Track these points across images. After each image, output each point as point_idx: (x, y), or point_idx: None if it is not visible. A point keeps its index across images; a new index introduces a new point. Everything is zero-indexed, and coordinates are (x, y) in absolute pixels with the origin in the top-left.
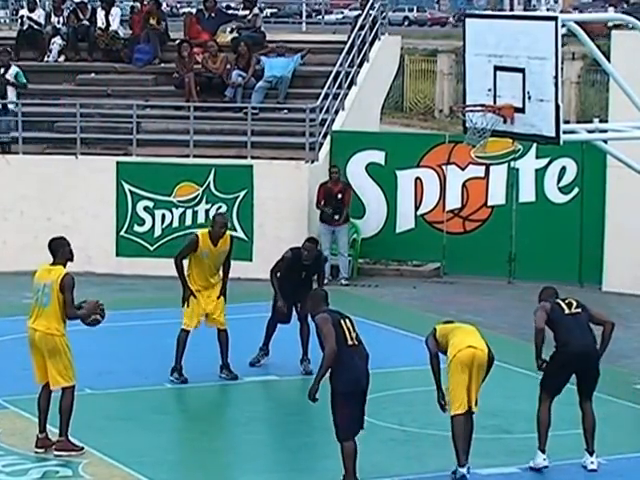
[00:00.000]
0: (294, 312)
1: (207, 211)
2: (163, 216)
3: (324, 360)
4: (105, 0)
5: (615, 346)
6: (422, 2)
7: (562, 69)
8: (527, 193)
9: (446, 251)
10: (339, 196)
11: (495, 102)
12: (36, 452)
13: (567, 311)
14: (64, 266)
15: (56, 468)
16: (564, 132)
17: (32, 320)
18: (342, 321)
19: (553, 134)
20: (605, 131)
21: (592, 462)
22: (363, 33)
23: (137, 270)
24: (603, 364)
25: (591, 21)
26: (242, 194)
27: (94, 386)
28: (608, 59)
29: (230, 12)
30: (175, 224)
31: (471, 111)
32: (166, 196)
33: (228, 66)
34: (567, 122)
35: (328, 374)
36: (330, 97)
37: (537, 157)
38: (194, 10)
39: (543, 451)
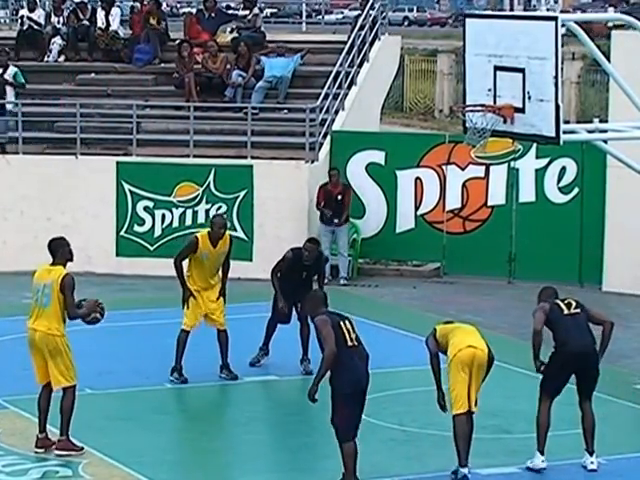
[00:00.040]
0: (294, 312)
1: (207, 211)
2: (163, 216)
3: (323, 362)
4: (105, 0)
5: (615, 346)
6: (422, 2)
7: (562, 69)
8: (527, 193)
9: (446, 251)
10: (339, 198)
11: (495, 102)
12: (36, 452)
13: (566, 311)
14: (64, 266)
15: (56, 468)
16: (564, 132)
17: (32, 320)
18: (341, 322)
19: (553, 134)
20: (605, 131)
21: (592, 462)
22: (363, 33)
23: (137, 270)
24: (603, 364)
25: (591, 21)
26: (242, 194)
27: (94, 386)
28: (608, 59)
29: (230, 12)
30: (175, 224)
31: (471, 111)
32: (166, 196)
33: (228, 66)
34: (567, 122)
35: (328, 375)
36: (330, 97)
37: (537, 157)
38: (194, 10)
39: (542, 453)
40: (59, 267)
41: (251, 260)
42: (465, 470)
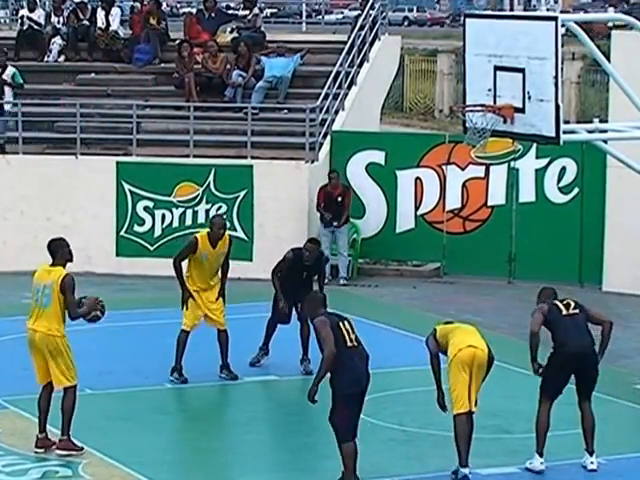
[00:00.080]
0: (294, 312)
1: (207, 211)
2: (163, 216)
3: (323, 363)
4: (105, 0)
5: (615, 346)
6: (422, 2)
7: (562, 69)
8: (527, 193)
9: (446, 251)
10: (339, 199)
11: (495, 102)
12: (36, 452)
13: (565, 312)
14: (64, 267)
15: (56, 468)
16: (564, 132)
17: (32, 321)
18: (340, 323)
19: (553, 134)
20: (605, 131)
21: (592, 462)
22: (363, 33)
23: (137, 270)
24: (603, 364)
25: (591, 21)
26: (242, 194)
27: (94, 386)
28: (608, 59)
29: (230, 12)
30: (175, 224)
31: (471, 111)
32: (166, 196)
33: (228, 66)
34: (567, 122)
35: (328, 376)
36: (330, 97)
37: (537, 157)
38: (194, 10)
39: (541, 454)
40: (59, 268)
41: (251, 260)
42: (466, 470)
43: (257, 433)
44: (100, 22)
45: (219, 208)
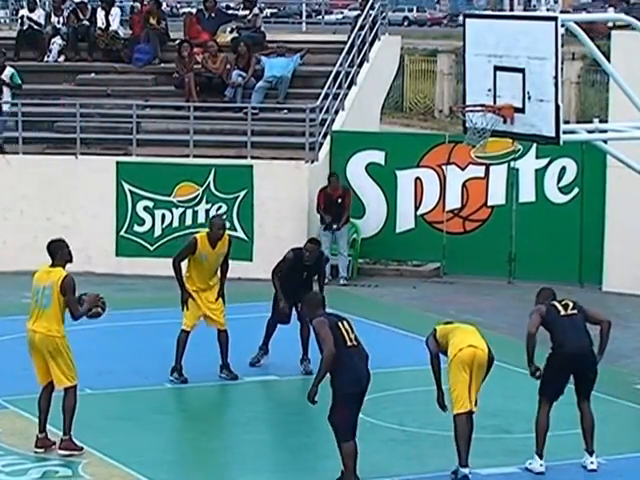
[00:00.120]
0: (294, 312)
1: (207, 211)
2: (163, 216)
3: (322, 363)
4: (105, 0)
5: (615, 346)
6: (422, 2)
7: (562, 69)
8: (527, 193)
9: (446, 251)
10: (339, 201)
11: (495, 102)
12: (36, 452)
13: (563, 312)
14: (63, 268)
15: (56, 468)
16: (564, 132)
17: (32, 322)
18: (339, 323)
19: (553, 134)
20: (605, 131)
21: (592, 462)
22: (363, 33)
23: (137, 270)
24: (603, 364)
25: (591, 21)
26: (242, 194)
27: (94, 386)
28: (608, 59)
29: (230, 12)
30: (175, 224)
31: (471, 111)
32: (166, 196)
33: (228, 66)
34: (567, 122)
35: (328, 376)
36: (330, 97)
37: (537, 157)
38: (194, 10)
39: (541, 456)
40: (59, 269)
41: (251, 260)
42: (466, 470)
43: (257, 433)
44: (100, 22)
45: (219, 208)
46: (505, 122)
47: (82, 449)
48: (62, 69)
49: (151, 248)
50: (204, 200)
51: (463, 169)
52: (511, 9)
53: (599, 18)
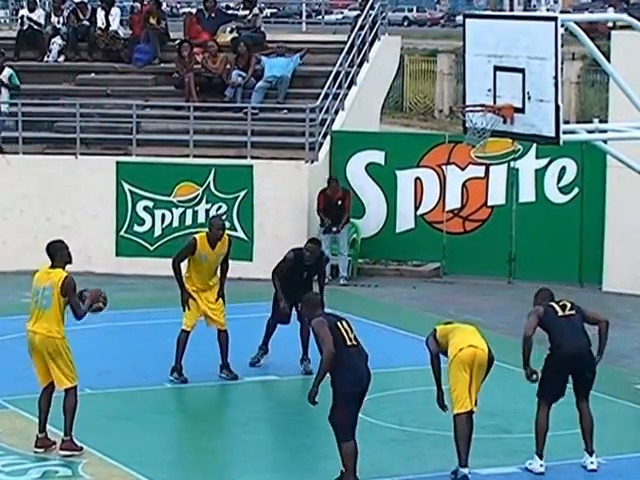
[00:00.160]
0: (294, 312)
1: (207, 211)
2: (163, 216)
3: (322, 363)
4: (105, 0)
5: (615, 346)
6: (422, 2)
7: (562, 69)
8: (527, 193)
9: (446, 251)
10: (339, 203)
11: (495, 102)
12: (35, 452)
13: (561, 313)
14: (63, 269)
15: (56, 468)
16: (564, 132)
17: (32, 323)
18: (339, 323)
19: (553, 134)
20: (605, 131)
21: (592, 462)
22: (363, 33)
23: (137, 270)
24: (603, 364)
25: (591, 21)
26: (242, 194)
27: (94, 386)
28: (608, 59)
29: (230, 12)
30: (175, 224)
31: (471, 111)
32: (166, 196)
33: (228, 66)
34: (567, 122)
35: (329, 376)
36: (330, 97)
37: (537, 157)
38: (194, 10)
39: (541, 456)
40: (58, 270)
41: (251, 260)
42: (465, 470)
43: (257, 433)
44: (100, 22)
45: (219, 208)
46: (505, 122)
47: (82, 449)
48: (62, 69)
49: (151, 248)
50: (204, 200)
51: (463, 169)
52: (511, 9)
53: (599, 18)
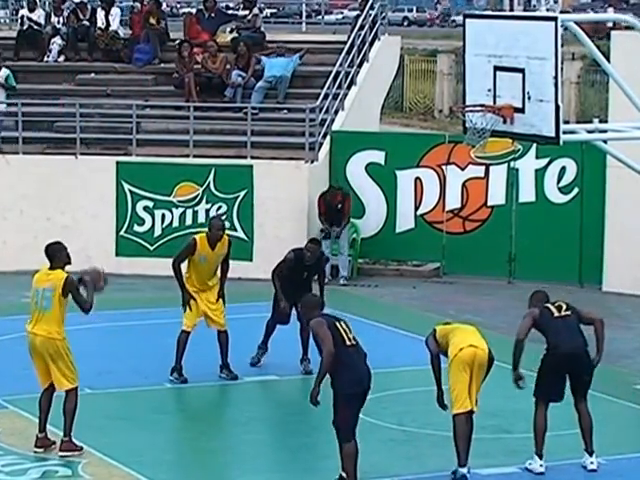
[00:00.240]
0: (294, 312)
1: (207, 211)
2: (163, 216)
3: (322, 364)
4: (105, 0)
5: (615, 346)
6: (422, 2)
7: (562, 69)
8: (527, 193)
9: (446, 251)
10: (339, 207)
11: (495, 102)
12: (35, 452)
13: (556, 314)
14: (62, 270)
15: (55, 468)
16: (564, 132)
17: (32, 325)
18: (337, 323)
19: (553, 134)
20: (605, 131)
21: (592, 462)
22: (363, 33)
23: (137, 270)
24: (603, 364)
25: (591, 21)
26: (242, 194)
27: (94, 386)
28: (608, 59)
29: (230, 12)
30: (175, 224)
31: (471, 111)
32: (166, 196)
33: (228, 66)
34: (567, 122)
35: (329, 377)
36: (330, 97)
37: (537, 157)
38: (194, 10)
39: (540, 456)
40: (58, 271)
41: (251, 260)
42: (464, 470)
43: (257, 433)
44: (100, 22)
45: (219, 208)
46: (505, 122)
47: (82, 449)
48: (62, 69)
49: (151, 248)
50: (204, 200)
51: (463, 169)
52: (511, 9)
53: (599, 18)
